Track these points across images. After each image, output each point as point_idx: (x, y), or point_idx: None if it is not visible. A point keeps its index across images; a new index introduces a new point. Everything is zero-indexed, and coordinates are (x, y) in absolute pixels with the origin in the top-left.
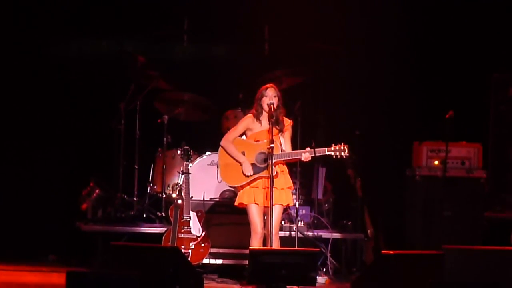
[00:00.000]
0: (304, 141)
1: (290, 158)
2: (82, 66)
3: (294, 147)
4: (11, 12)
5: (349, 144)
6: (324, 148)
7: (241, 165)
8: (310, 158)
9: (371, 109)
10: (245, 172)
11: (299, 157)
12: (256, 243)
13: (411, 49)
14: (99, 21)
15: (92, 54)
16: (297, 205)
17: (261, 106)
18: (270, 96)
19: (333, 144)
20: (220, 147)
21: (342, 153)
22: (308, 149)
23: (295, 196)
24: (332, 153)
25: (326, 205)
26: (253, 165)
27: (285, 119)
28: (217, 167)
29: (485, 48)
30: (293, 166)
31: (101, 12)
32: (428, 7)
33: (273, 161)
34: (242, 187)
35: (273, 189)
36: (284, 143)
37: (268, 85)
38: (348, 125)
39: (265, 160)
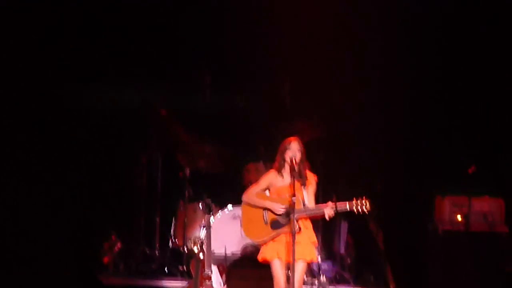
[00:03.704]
0: (325, 194)
1: (312, 213)
2: (105, 118)
3: (315, 203)
4: (34, 63)
5: (371, 198)
6: (345, 203)
7: (269, 209)
8: (333, 215)
9: (393, 163)
10: (276, 212)
11: (321, 213)
12: None
13: (433, 102)
14: (122, 73)
15: (114, 106)
16: (319, 260)
17: (284, 159)
18: (293, 150)
19: (354, 199)
20: (242, 202)
21: (364, 208)
22: (329, 203)
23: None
24: (354, 208)
25: (348, 259)
26: (275, 220)
27: (310, 173)
28: (240, 222)
29: (508, 101)
30: (315, 220)
31: (123, 64)
32: (448, 60)
33: (296, 216)
34: (265, 242)
35: (298, 244)
36: (307, 198)
37: (292, 138)
38: (371, 178)
39: (288, 215)
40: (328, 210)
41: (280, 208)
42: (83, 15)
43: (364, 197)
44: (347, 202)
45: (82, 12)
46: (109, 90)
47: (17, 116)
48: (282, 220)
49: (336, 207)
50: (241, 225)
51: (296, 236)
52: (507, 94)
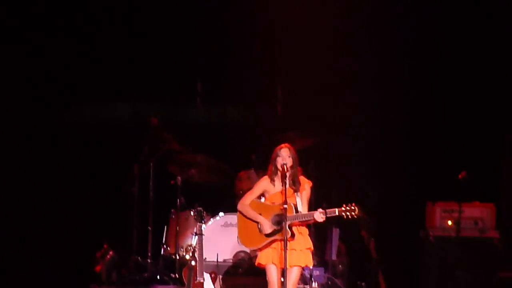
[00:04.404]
0: (317, 202)
1: (304, 219)
2: (96, 129)
3: (308, 209)
4: (25, 77)
5: (363, 205)
6: (334, 209)
7: (259, 224)
8: (324, 218)
9: (385, 170)
10: (263, 231)
11: (311, 218)
12: None
13: (424, 110)
14: (113, 85)
15: (105, 117)
16: (311, 267)
17: (275, 166)
18: (284, 157)
19: (343, 205)
20: (238, 211)
21: (353, 213)
22: (319, 210)
23: None
24: (343, 214)
25: (340, 266)
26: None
27: (304, 179)
28: (237, 231)
29: (498, 109)
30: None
31: (114, 75)
32: (442, 68)
33: (288, 222)
34: (260, 249)
35: (292, 250)
36: (300, 203)
37: (282, 145)
38: (362, 185)
39: (280, 223)
40: (318, 216)
41: (268, 229)
42: (74, 28)
43: (353, 203)
44: (336, 208)
45: (73, 25)
46: (100, 101)
47: (13, 128)
48: (274, 226)
49: (325, 213)
50: (237, 234)
51: (291, 242)
52: (496, 100)
